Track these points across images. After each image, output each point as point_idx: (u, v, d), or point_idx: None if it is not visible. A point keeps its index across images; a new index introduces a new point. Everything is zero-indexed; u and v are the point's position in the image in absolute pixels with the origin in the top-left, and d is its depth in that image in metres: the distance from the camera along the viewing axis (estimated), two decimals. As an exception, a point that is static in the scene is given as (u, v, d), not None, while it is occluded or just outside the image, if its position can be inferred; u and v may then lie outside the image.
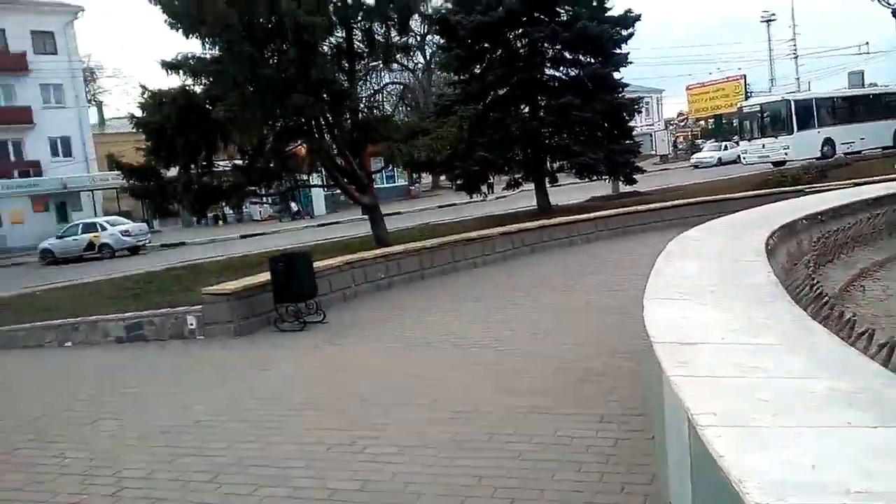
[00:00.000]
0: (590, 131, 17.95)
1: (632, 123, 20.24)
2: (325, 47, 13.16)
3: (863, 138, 35.71)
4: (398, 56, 19.20)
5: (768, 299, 3.81)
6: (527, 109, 18.85)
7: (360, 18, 13.68)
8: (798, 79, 60.72)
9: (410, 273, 10.73)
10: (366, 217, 14.02)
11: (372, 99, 14.99)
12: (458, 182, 19.16)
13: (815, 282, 5.39)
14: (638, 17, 18.76)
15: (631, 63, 19.05)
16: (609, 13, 18.68)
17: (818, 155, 33.12)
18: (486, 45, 18.83)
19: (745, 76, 65.39)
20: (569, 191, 23.83)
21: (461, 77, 19.56)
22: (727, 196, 15.21)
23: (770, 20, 77.32)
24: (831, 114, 35.57)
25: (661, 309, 3.63)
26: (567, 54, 18.91)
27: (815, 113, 34.56)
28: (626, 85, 18.66)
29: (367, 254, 10.43)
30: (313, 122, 12.79)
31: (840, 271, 7.20)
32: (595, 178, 19.80)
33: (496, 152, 17.63)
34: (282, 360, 7.04)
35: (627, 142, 19.06)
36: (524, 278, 10.35)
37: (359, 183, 13.09)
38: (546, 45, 18.30)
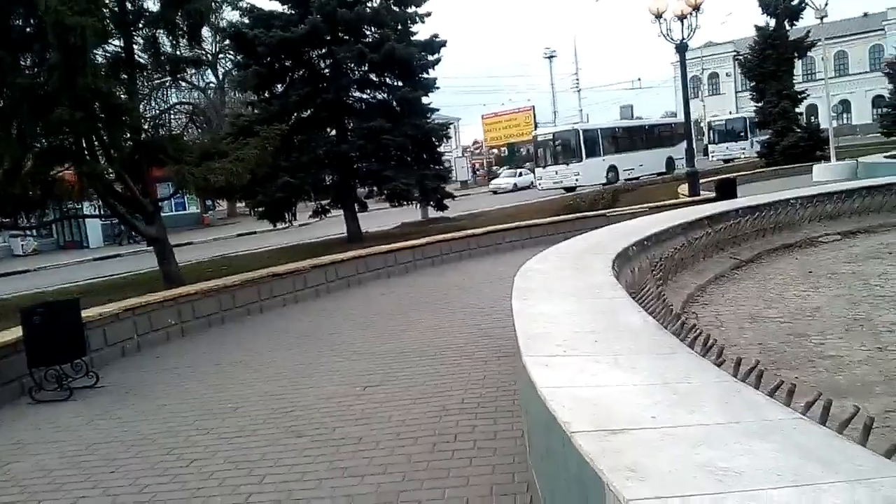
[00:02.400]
0: (400, 156, 17.35)
1: (440, 149, 20.02)
2: (99, 57, 11.22)
3: (641, 165, 39.07)
4: (188, 71, 17.35)
5: (666, 350, 3.15)
6: (334, 132, 17.85)
7: (141, 25, 11.90)
8: (581, 110, 65.82)
9: (209, 316, 9.23)
10: (151, 249, 12.12)
11: (158, 119, 13.14)
12: (260, 209, 17.62)
13: (673, 311, 4.96)
14: (444, 43, 18.60)
15: (438, 88, 18.83)
16: (415, 38, 18.33)
17: (604, 181, 35.59)
18: (287, 63, 17.64)
19: (533, 107, 69.69)
20: (377, 216, 23.12)
21: (261, 96, 18.13)
22: (537, 221, 15.28)
23: (552, 56, 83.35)
24: (614, 143, 38.52)
25: (551, 374, 2.81)
26: (374, 77, 18.24)
27: (600, 142, 37.19)
28: (436, 110, 18.37)
29: (152, 296, 8.74)
30: (84, 142, 10.78)
31: (674, 296, 7.01)
32: (406, 203, 19.23)
33: (302, 177, 16.42)
34: (37, 444, 5.36)
35: (438, 167, 18.73)
36: (343, 319, 9.28)
37: (143, 211, 11.23)
38: (353, 65, 17.50)
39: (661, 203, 16.89)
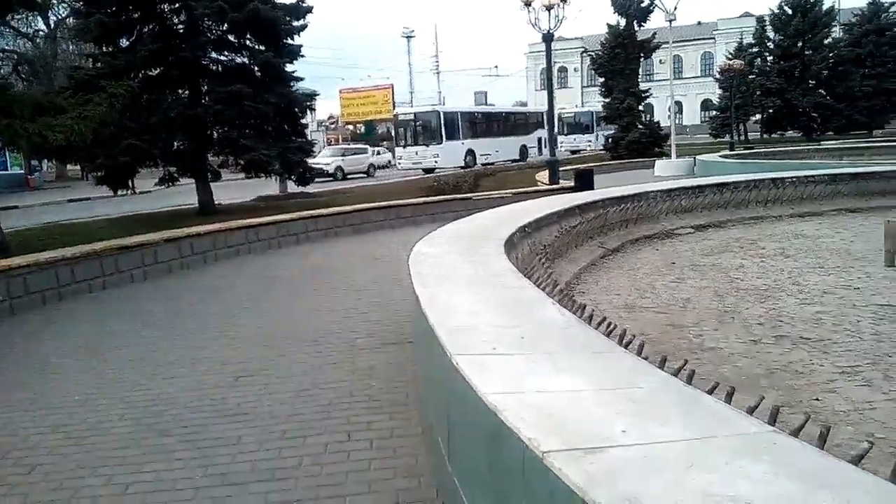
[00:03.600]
0: (261, 125, 16.35)
1: (303, 121, 19.17)
2: None
3: (497, 151, 39.98)
4: (14, 16, 15.35)
5: (600, 348, 2.98)
6: (187, 94, 16.51)
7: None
8: (440, 93, 66.30)
9: (43, 292, 8.13)
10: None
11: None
12: (100, 174, 15.99)
13: (578, 302, 4.86)
14: (310, 9, 17.80)
15: (303, 56, 17.95)
16: (280, 0, 17.32)
17: (462, 164, 36.04)
18: (136, 14, 16.05)
19: (392, 85, 69.21)
20: (231, 188, 21.81)
21: (104, 49, 16.39)
22: (405, 202, 15.00)
23: (410, 36, 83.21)
24: (473, 128, 39.06)
25: (492, 378, 2.53)
26: (234, 38, 17.06)
27: (460, 125, 37.54)
28: (301, 79, 17.48)
29: (-27, 268, 7.55)
30: None
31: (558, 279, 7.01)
32: (263, 176, 18.23)
33: (149, 141, 15.05)
34: None
35: (301, 140, 17.90)
36: (203, 299, 8.52)
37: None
38: (211, 24, 16.23)
39: (524, 189, 17.20)
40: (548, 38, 18.30)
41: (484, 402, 2.32)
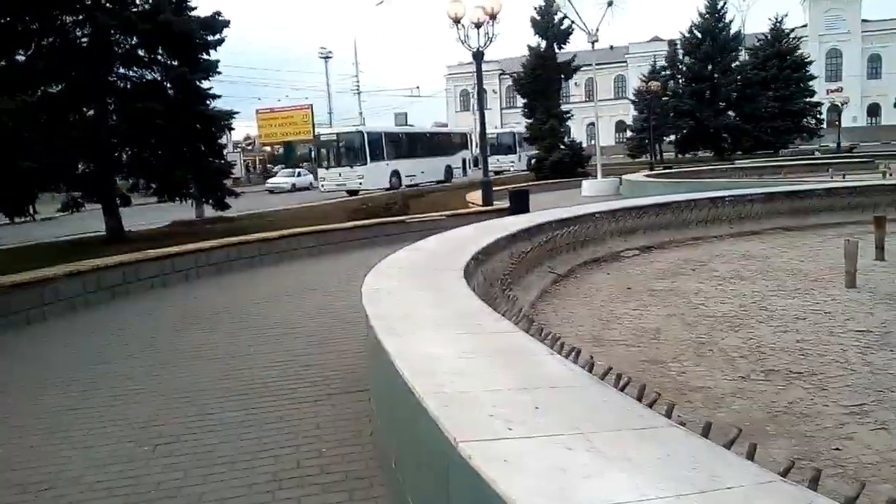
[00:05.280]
0: (176, 146, 15.17)
1: (221, 141, 18.05)
2: None
3: (423, 172, 39.48)
4: None
5: (638, 422, 2.34)
6: (91, 113, 15.18)
7: None
8: (361, 113, 65.46)
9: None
10: None
11: None
12: (-7, 200, 14.44)
13: (559, 339, 4.22)
14: (227, 23, 16.79)
15: (219, 73, 16.91)
16: (194, 13, 16.28)
17: (387, 185, 35.34)
18: (34, 26, 14.66)
19: (311, 106, 67.93)
20: (142, 212, 20.38)
21: (-2, 63, 14.90)
22: (336, 226, 14.18)
23: (328, 57, 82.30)
24: (398, 148, 38.43)
25: (524, 479, 1.84)
26: (143, 53, 15.86)
27: (384, 146, 36.84)
28: (218, 96, 16.40)
29: None
30: None
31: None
32: (178, 200, 16.98)
33: (50, 163, 13.66)
34: None
35: (219, 160, 16.78)
36: (111, 341, 7.47)
37: None
38: (119, 37, 15.01)
39: (459, 211, 16.66)
40: (478, 55, 17.89)
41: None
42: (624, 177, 25.74)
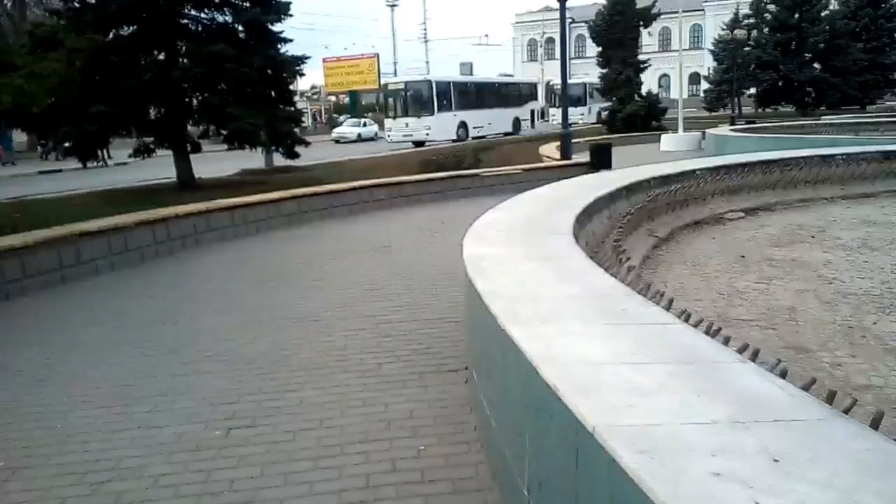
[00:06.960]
0: (246, 91, 14.64)
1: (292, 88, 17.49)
2: None
3: (490, 123, 38.34)
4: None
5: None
6: (163, 56, 14.77)
7: None
8: (427, 62, 64.10)
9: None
10: None
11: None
12: (67, 144, 14.33)
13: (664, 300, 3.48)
14: (299, -37, 16.00)
15: (291, 16, 16.17)
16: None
17: (454, 137, 34.42)
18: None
19: (377, 55, 66.90)
20: (211, 160, 20.13)
21: (70, 4, 14.59)
22: (407, 178, 13.52)
23: (394, 5, 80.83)
24: (466, 99, 37.30)
25: None
26: (215, -7, 15.27)
27: (452, 96, 35.82)
28: (290, 40, 15.69)
29: None
30: None
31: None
32: (248, 147, 16.56)
33: (121, 108, 13.35)
34: None
35: (290, 108, 16.23)
36: (183, 299, 7.06)
37: None
38: (190, -23, 14.46)
39: (535, 165, 15.82)
40: (561, -1, 16.72)
41: None
42: (708, 131, 24.17)
